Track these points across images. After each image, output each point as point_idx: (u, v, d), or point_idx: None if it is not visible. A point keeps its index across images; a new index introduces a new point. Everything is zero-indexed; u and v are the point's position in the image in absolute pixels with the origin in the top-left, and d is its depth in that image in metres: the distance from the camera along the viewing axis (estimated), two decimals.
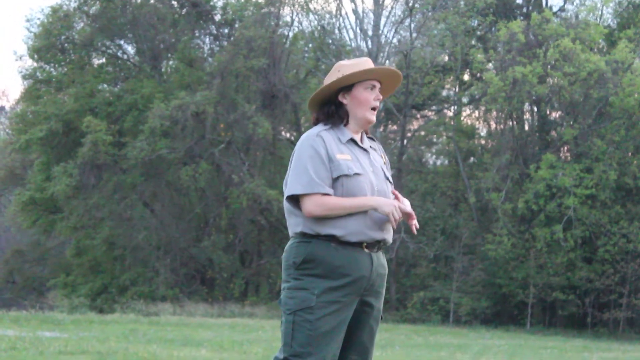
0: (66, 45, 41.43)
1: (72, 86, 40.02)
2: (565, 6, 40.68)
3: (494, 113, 39.52)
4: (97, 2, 40.26)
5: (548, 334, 32.38)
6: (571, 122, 36.01)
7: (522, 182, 35.54)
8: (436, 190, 40.09)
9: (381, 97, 5.26)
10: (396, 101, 38.19)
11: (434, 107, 43.15)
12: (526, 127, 39.19)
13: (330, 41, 40.09)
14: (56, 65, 42.10)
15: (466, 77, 41.00)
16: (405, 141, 40.04)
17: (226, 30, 41.83)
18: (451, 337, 25.61)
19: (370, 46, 38.37)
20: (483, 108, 40.02)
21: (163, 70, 42.85)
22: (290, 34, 41.19)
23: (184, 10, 41.40)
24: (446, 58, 39.56)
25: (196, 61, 41.04)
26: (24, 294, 44.58)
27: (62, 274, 41.24)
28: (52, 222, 40.59)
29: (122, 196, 38.93)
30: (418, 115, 43.11)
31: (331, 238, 4.99)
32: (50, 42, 40.40)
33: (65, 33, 40.79)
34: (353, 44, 39.67)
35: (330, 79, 5.20)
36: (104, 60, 43.03)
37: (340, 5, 40.22)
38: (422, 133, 44.58)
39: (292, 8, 40.37)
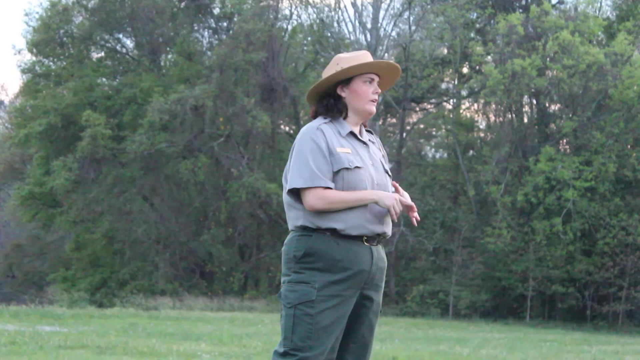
0: (65, 39, 41.42)
1: (71, 80, 40.00)
2: None
3: (493, 106, 39.53)
4: None
5: (547, 327, 32.38)
6: (570, 115, 35.99)
7: (522, 175, 35.54)
8: (435, 184, 40.11)
9: (379, 90, 5.26)
10: (395, 94, 38.19)
11: (433, 100, 43.13)
12: (525, 120, 39.18)
13: (329, 34, 40.08)
14: (55, 59, 42.09)
15: (465, 70, 40.98)
16: (404, 134, 40.05)
17: (225, 24, 41.82)
18: (451, 331, 25.62)
19: (369, 39, 38.35)
20: (482, 101, 40.01)
21: (162, 64, 42.84)
22: (289, 27, 41.18)
23: (183, 4, 41.37)
24: (445, 51, 39.55)
25: (195, 55, 41.03)
26: (24, 289, 44.62)
27: (62, 268, 41.26)
28: (51, 217, 40.61)
29: (121, 190, 38.93)
30: (417, 108, 43.10)
31: (332, 231, 4.98)
32: (49, 36, 40.39)
33: (64, 27, 40.79)
34: (352, 37, 39.67)
35: (328, 72, 5.19)
36: (102, 54, 43.01)
37: None
38: (422, 126, 44.62)
39: (290, 1, 40.42)
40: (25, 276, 46.34)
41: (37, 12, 41.76)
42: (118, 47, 42.96)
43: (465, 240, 36.86)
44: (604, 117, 35.02)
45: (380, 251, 5.17)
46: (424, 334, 23.22)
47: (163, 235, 38.69)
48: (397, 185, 5.24)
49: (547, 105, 38.69)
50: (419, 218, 5.18)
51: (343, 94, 5.21)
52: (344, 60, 5.19)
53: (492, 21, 39.09)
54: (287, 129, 42.37)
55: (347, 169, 5.02)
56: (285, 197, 5.12)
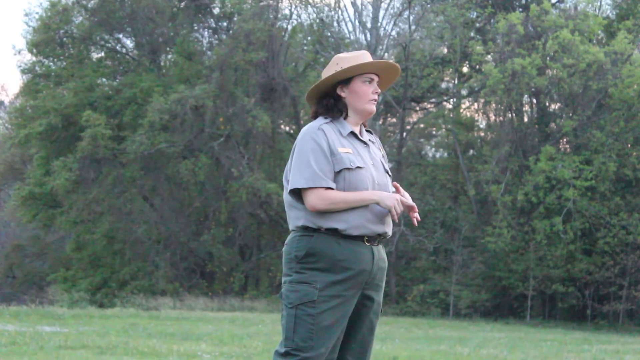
0: (65, 39, 41.42)
1: (71, 80, 39.99)
2: None
3: (493, 105, 39.52)
4: None
5: (548, 326, 32.38)
6: (570, 114, 35.99)
7: (522, 174, 35.54)
8: (436, 183, 40.12)
9: (379, 90, 5.26)
10: (395, 94, 38.19)
11: (433, 100, 43.12)
12: (525, 119, 39.17)
13: (329, 34, 40.07)
14: (55, 60, 42.08)
15: (465, 69, 40.97)
16: (404, 134, 40.06)
17: (225, 24, 41.82)
18: (451, 330, 25.62)
19: (369, 39, 38.35)
20: (482, 100, 40.01)
21: (162, 64, 42.84)
22: (289, 27, 41.17)
23: (183, 4, 41.37)
24: (445, 50, 39.55)
25: (195, 55, 41.03)
26: (24, 289, 44.62)
27: (62, 269, 41.25)
28: (51, 217, 40.59)
29: (121, 190, 38.94)
30: (417, 108, 43.10)
31: (333, 232, 4.98)
32: (49, 37, 40.38)
33: (64, 27, 40.79)
34: (352, 37, 39.67)
35: (328, 72, 5.19)
36: (102, 54, 43.00)
37: None
38: (422, 126, 44.62)
39: (290, 1, 40.41)
40: (25, 276, 46.34)
41: (37, 13, 41.80)
42: (118, 47, 42.97)
43: (466, 239, 36.86)
44: (604, 116, 35.02)
45: (381, 251, 5.17)
46: (425, 333, 23.22)
47: (163, 236, 38.69)
48: (398, 185, 5.24)
49: (547, 104, 38.69)
50: (419, 218, 5.18)
51: (343, 94, 5.21)
52: (343, 60, 5.19)
53: (492, 20, 39.10)
54: (287, 128, 42.37)
55: (348, 169, 5.02)
56: (287, 197, 5.11)
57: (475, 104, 42.90)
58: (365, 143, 5.23)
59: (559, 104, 37.90)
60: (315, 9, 40.03)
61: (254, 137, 38.35)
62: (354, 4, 38.93)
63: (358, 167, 5.05)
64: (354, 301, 5.04)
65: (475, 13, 39.10)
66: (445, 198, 39.53)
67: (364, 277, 5.03)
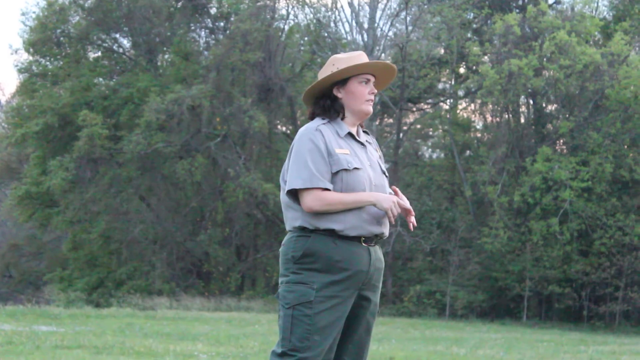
0: (62, 38, 41.39)
1: (67, 80, 39.95)
2: None
3: (490, 106, 39.50)
4: None
5: (544, 327, 32.39)
6: (567, 115, 36.01)
7: (518, 175, 35.53)
8: (432, 184, 40.10)
9: (376, 90, 5.26)
10: (392, 94, 38.19)
11: (429, 100, 43.13)
12: (522, 120, 39.17)
13: (326, 34, 40.05)
14: (52, 59, 42.05)
15: (462, 70, 40.96)
16: (401, 134, 40.06)
17: (222, 24, 41.80)
18: (447, 331, 25.63)
19: (366, 39, 38.35)
20: (479, 101, 39.99)
21: (159, 63, 42.81)
22: (286, 27, 41.15)
23: (180, 4, 41.36)
24: (442, 51, 39.53)
25: (192, 55, 41.01)
26: (21, 288, 44.64)
27: (59, 268, 41.24)
28: (48, 216, 40.55)
29: (118, 190, 38.93)
30: (414, 109, 43.11)
31: (330, 232, 4.98)
32: (46, 36, 40.36)
33: (61, 26, 40.76)
34: (349, 37, 39.66)
35: (324, 72, 5.19)
36: (99, 53, 42.97)
37: None
38: (418, 126, 44.60)
39: (287, 1, 40.41)
40: (22, 276, 46.34)
41: (34, 12, 41.74)
42: (115, 47, 42.94)
43: (462, 240, 36.85)
44: (601, 117, 35.02)
45: (377, 252, 5.17)
46: (421, 334, 23.23)
47: (160, 235, 38.68)
48: (397, 190, 5.24)
49: (543, 105, 38.70)
50: (415, 224, 5.19)
51: (339, 95, 5.21)
52: (339, 61, 5.19)
53: (488, 21, 39.09)
54: (283, 129, 42.37)
55: (345, 170, 5.03)
56: (284, 198, 5.12)
57: (472, 105, 42.90)
58: (362, 144, 5.23)
59: (555, 105, 37.90)
60: (312, 10, 40.05)
61: (250, 137, 38.34)
62: (351, 5, 38.95)
63: (355, 168, 5.06)
64: (350, 302, 5.04)
65: (472, 14, 39.10)
66: (441, 199, 39.53)
67: (361, 277, 5.04)
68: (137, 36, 41.17)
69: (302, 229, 5.03)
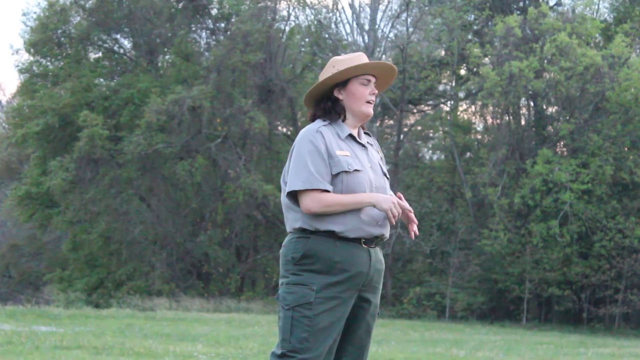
0: (62, 39, 41.38)
1: (68, 80, 39.94)
2: (562, 0, 40.68)
3: (491, 108, 39.49)
4: None
5: (544, 329, 32.37)
6: (567, 117, 36.00)
7: (519, 177, 35.52)
8: (432, 185, 40.08)
9: (376, 91, 5.26)
10: (393, 96, 38.19)
11: (430, 102, 43.11)
12: (522, 122, 39.16)
13: (326, 35, 40.05)
14: (52, 59, 42.04)
15: (463, 71, 40.94)
16: (401, 136, 40.04)
17: (223, 25, 41.79)
18: (447, 333, 25.62)
19: (366, 41, 38.35)
20: (479, 103, 39.98)
21: (159, 64, 42.81)
22: (287, 29, 41.14)
23: (181, 4, 41.35)
24: (443, 53, 39.53)
25: (193, 55, 41.00)
26: (20, 289, 44.62)
27: (58, 269, 41.23)
28: (48, 217, 40.55)
29: (118, 191, 38.91)
30: (414, 110, 43.08)
31: (330, 234, 4.98)
32: (47, 36, 40.36)
33: (62, 27, 40.75)
34: (350, 39, 39.64)
35: (325, 74, 5.19)
36: (100, 54, 42.96)
37: None
38: (419, 128, 44.59)
39: (288, 2, 40.37)
40: (21, 276, 46.32)
41: (35, 12, 41.74)
42: (116, 48, 42.93)
43: (462, 242, 36.85)
44: (601, 119, 35.02)
45: (378, 253, 5.17)
46: (421, 336, 23.22)
47: (160, 236, 38.66)
48: (401, 196, 5.23)
49: (544, 107, 38.68)
50: (417, 233, 5.19)
51: (340, 96, 5.21)
52: (339, 63, 5.19)
53: (489, 23, 39.10)
54: (284, 130, 42.37)
55: (346, 172, 5.02)
56: (284, 199, 5.12)
57: (473, 107, 42.88)
58: (363, 146, 5.23)
59: (556, 107, 37.89)
60: (313, 11, 40.04)
61: (251, 138, 38.32)
62: (351, 6, 38.96)
63: (356, 170, 5.06)
64: (350, 303, 5.04)
65: (472, 16, 39.10)
66: (441, 200, 39.50)
67: (361, 279, 5.04)
68: (137, 37, 41.17)
69: (302, 230, 5.04)
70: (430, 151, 46.30)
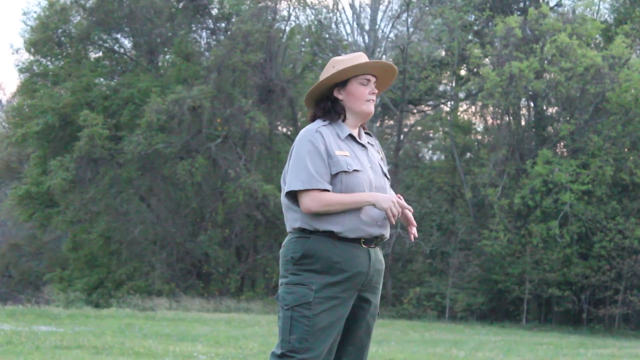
0: (63, 38, 41.38)
1: (68, 80, 39.94)
2: (562, 1, 40.70)
3: (491, 108, 39.49)
4: None
5: (544, 330, 32.37)
6: (568, 118, 36.00)
7: (519, 178, 35.52)
8: (432, 186, 40.08)
9: (376, 91, 5.25)
10: (393, 96, 38.19)
11: (430, 102, 43.12)
12: (523, 123, 39.17)
13: (327, 36, 40.05)
14: (53, 59, 42.04)
15: (463, 72, 40.95)
16: (401, 136, 40.04)
17: (223, 25, 41.79)
18: (447, 333, 25.62)
19: (367, 41, 38.34)
20: (480, 103, 39.98)
21: (160, 64, 42.80)
22: (287, 29, 41.14)
23: (181, 4, 41.35)
24: (443, 53, 39.53)
25: (193, 55, 40.99)
26: (20, 288, 44.61)
27: (58, 268, 41.21)
28: (48, 216, 40.55)
29: (118, 190, 38.91)
30: (415, 110, 43.09)
31: (329, 234, 4.98)
32: (47, 36, 40.35)
33: (62, 26, 40.75)
34: (350, 39, 39.65)
35: (325, 74, 5.20)
36: (100, 54, 42.96)
37: None
38: (419, 128, 44.60)
39: (289, 2, 40.36)
40: (21, 276, 46.31)
41: (35, 12, 41.74)
42: (116, 47, 42.93)
43: (462, 242, 36.84)
44: (602, 120, 35.02)
45: (378, 253, 5.17)
46: (421, 336, 23.22)
47: (160, 236, 38.66)
48: (401, 197, 5.23)
49: (544, 108, 38.68)
50: (417, 235, 5.19)
51: (340, 97, 5.21)
52: (339, 63, 5.20)
53: (490, 23, 39.10)
54: (284, 130, 42.37)
55: (345, 172, 5.02)
56: (284, 199, 5.12)
57: (473, 107, 42.89)
58: (363, 146, 5.22)
59: (556, 108, 37.89)
60: (313, 11, 40.04)
61: (251, 138, 38.32)
62: (352, 6, 38.96)
63: (355, 170, 5.05)
64: (350, 303, 5.04)
65: (473, 16, 39.09)
66: (442, 201, 39.50)
67: (360, 279, 5.03)
68: (138, 36, 41.17)
69: (301, 230, 5.04)
70: (431, 151, 46.32)
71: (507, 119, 38.50)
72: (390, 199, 5.01)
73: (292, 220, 5.09)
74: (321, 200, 4.95)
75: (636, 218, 33.91)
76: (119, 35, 42.63)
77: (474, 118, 43.58)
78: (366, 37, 38.57)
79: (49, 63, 42.15)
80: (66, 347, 13.09)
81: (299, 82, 40.17)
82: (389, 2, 38.90)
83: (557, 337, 26.95)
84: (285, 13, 40.86)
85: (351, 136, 5.18)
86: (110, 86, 41.37)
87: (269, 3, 38.79)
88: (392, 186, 5.39)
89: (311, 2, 39.81)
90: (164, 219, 38.71)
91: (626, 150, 35.32)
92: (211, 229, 38.65)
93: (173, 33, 40.67)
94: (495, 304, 36.36)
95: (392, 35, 39.09)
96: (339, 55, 5.56)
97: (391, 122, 42.82)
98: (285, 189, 5.05)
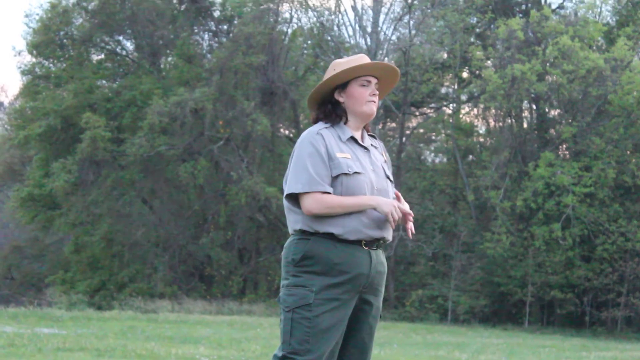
0: (65, 41, 41.41)
1: (71, 82, 39.98)
2: (564, 3, 40.72)
3: (493, 111, 39.51)
4: None
5: (546, 332, 32.36)
6: (570, 120, 36.00)
7: (521, 180, 35.52)
8: (435, 188, 40.08)
9: (377, 92, 5.23)
10: (395, 98, 38.18)
11: (432, 105, 43.13)
12: (525, 125, 39.18)
13: (329, 38, 40.05)
14: (55, 61, 42.07)
15: (465, 74, 40.96)
16: (404, 139, 40.03)
17: (225, 27, 41.82)
18: (449, 336, 25.61)
19: (369, 43, 38.35)
20: (482, 106, 39.99)
21: (162, 66, 42.82)
22: (289, 31, 41.15)
23: (183, 7, 41.38)
24: (445, 55, 39.52)
25: (195, 57, 41.01)
26: (23, 290, 44.57)
27: (61, 271, 41.23)
28: (50, 219, 40.57)
29: (120, 193, 38.93)
30: (417, 113, 43.10)
31: (330, 236, 4.98)
32: (49, 38, 40.37)
33: (64, 29, 40.78)
34: (352, 41, 39.65)
35: (325, 77, 5.19)
36: (102, 56, 42.99)
37: (339, 1, 40.29)
38: (421, 131, 44.60)
39: (291, 4, 40.36)
40: (24, 278, 46.30)
41: (37, 14, 41.81)
42: (118, 49, 42.96)
43: (464, 245, 36.83)
44: (604, 122, 35.02)
45: (379, 255, 5.16)
46: (423, 339, 23.22)
47: (162, 238, 38.67)
48: (399, 194, 5.23)
49: (546, 110, 38.68)
50: (414, 230, 5.16)
51: (341, 99, 5.20)
52: (339, 65, 5.19)
53: (492, 26, 39.12)
54: (286, 132, 42.36)
55: (345, 174, 5.01)
56: (285, 201, 5.12)
57: (475, 110, 42.92)
58: (365, 148, 5.21)
59: (558, 110, 37.89)
60: (315, 13, 40.05)
61: (253, 140, 38.34)
62: (354, 8, 38.96)
63: (356, 173, 5.04)
64: (351, 305, 5.03)
65: (475, 18, 39.10)
66: (444, 203, 39.50)
67: (361, 280, 5.03)
68: (140, 39, 41.19)
69: (302, 232, 5.04)
70: (433, 154, 46.31)
71: (510, 121, 38.52)
72: (391, 203, 5.00)
73: (293, 222, 5.09)
74: (322, 202, 4.94)
75: (638, 220, 33.90)
76: (121, 38, 42.68)
77: (476, 120, 43.61)
78: (368, 40, 38.58)
79: (51, 65, 42.18)
80: (68, 350, 13.09)
81: (301, 84, 40.18)
82: (391, 5, 38.95)
83: (559, 340, 26.95)
84: (287, 15, 40.91)
85: (353, 138, 5.17)
86: (112, 88, 41.41)
87: (271, 5, 38.82)
88: (395, 189, 5.37)
89: (313, 4, 39.87)
90: (166, 222, 38.73)
91: (628, 152, 35.31)
92: (213, 232, 38.66)
93: (175, 35, 40.70)
94: (498, 307, 36.34)
95: (394, 37, 39.12)
96: (341, 57, 5.54)
97: (393, 124, 42.83)
98: (286, 191, 5.05)
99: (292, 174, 5.03)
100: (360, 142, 5.20)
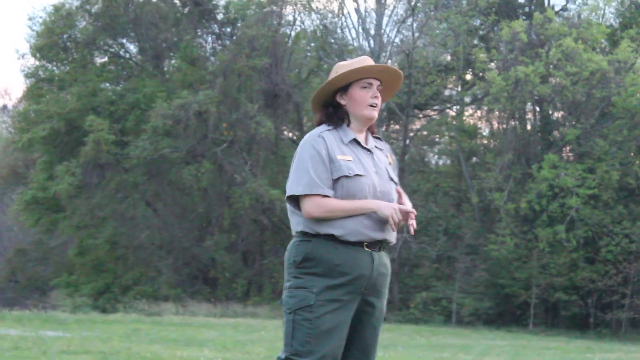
0: (68, 43, 41.45)
1: (74, 85, 40.03)
2: (568, 5, 40.68)
3: (497, 113, 39.50)
4: (100, 1, 40.23)
5: (550, 334, 32.35)
6: (573, 122, 35.99)
7: (525, 182, 35.51)
8: (439, 190, 40.06)
9: (379, 94, 5.21)
10: (399, 101, 38.19)
11: (436, 107, 43.13)
12: (528, 127, 39.16)
13: (332, 40, 40.06)
14: (58, 64, 42.12)
15: (468, 76, 40.96)
16: (407, 141, 40.03)
17: (228, 29, 41.84)
18: (454, 338, 25.60)
19: (372, 45, 38.36)
20: (485, 108, 39.98)
21: (165, 69, 42.85)
22: (293, 33, 41.18)
23: (187, 9, 41.40)
24: (448, 57, 39.53)
25: (198, 60, 41.05)
26: (27, 293, 44.59)
27: (65, 274, 41.25)
28: (54, 221, 40.60)
29: (124, 195, 38.96)
30: (420, 115, 43.09)
31: (331, 237, 4.98)
32: (53, 41, 40.41)
33: (68, 32, 40.81)
34: (355, 44, 39.67)
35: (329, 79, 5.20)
36: (106, 59, 43.04)
37: (343, 4, 40.16)
38: (425, 133, 44.57)
39: (294, 7, 40.39)
40: (28, 281, 46.32)
41: (41, 17, 41.79)
42: (121, 52, 43.00)
43: (469, 247, 36.83)
44: (607, 124, 35.01)
45: (382, 257, 5.14)
46: (427, 341, 23.22)
47: (166, 241, 38.70)
48: (401, 190, 5.21)
49: (550, 112, 38.68)
50: (415, 226, 5.12)
51: (342, 102, 5.18)
52: (341, 68, 5.17)
53: (495, 28, 39.09)
54: (290, 134, 42.38)
55: (346, 177, 5.00)
56: (287, 204, 5.13)
57: (479, 112, 42.91)
58: (369, 150, 5.20)
59: (562, 112, 37.89)
60: (318, 16, 40.07)
61: (257, 143, 38.35)
62: (357, 11, 38.95)
63: (357, 175, 5.03)
64: (353, 306, 5.02)
65: (478, 21, 39.11)
66: (448, 205, 39.48)
67: (363, 282, 5.02)
68: (143, 41, 41.22)
69: (303, 234, 5.04)
70: (436, 156, 46.28)
71: (513, 123, 38.49)
72: (392, 206, 4.99)
73: (295, 223, 5.10)
74: (323, 206, 4.94)
75: None
76: (124, 40, 42.72)
77: (479, 122, 43.59)
78: (371, 42, 38.59)
79: (54, 68, 42.23)
80: (73, 352, 13.11)
81: (304, 86, 40.19)
82: (394, 7, 38.96)
83: (564, 342, 26.94)
84: (290, 18, 40.94)
85: (355, 140, 5.16)
86: (116, 91, 41.44)
87: (274, 8, 38.84)
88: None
89: (316, 7, 39.87)
90: (170, 224, 38.76)
91: (632, 154, 35.33)
92: (217, 234, 38.68)
93: (179, 38, 40.73)
94: (502, 309, 36.32)
95: (397, 39, 39.14)
96: (345, 60, 5.50)
97: (397, 126, 42.82)
98: (287, 193, 5.05)
99: (293, 176, 5.03)
100: (363, 144, 5.19)
